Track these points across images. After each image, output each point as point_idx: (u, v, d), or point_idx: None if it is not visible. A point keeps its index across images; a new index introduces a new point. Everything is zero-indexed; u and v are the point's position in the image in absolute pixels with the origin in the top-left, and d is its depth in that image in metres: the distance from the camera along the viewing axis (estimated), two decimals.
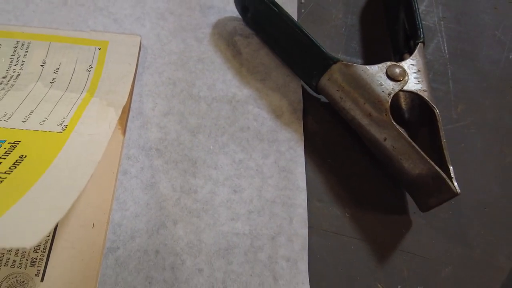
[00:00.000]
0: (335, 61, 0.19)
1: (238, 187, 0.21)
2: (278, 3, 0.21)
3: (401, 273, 0.19)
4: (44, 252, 0.19)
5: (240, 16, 0.24)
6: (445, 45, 0.24)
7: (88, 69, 0.22)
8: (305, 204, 0.20)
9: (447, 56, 0.24)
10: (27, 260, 0.18)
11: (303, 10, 0.25)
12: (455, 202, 0.21)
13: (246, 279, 0.19)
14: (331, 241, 0.20)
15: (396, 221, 0.20)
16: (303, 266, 0.19)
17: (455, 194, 0.17)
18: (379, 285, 0.19)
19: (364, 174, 0.21)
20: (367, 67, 0.19)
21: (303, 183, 0.21)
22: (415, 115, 0.21)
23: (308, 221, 0.20)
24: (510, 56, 0.24)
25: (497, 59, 0.25)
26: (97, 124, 0.19)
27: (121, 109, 0.20)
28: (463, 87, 0.24)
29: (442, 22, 0.25)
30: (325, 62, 0.20)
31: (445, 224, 0.21)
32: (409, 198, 0.21)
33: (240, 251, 0.19)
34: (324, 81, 0.20)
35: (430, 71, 0.23)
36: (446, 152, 0.18)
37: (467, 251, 0.20)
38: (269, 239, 0.20)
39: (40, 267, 0.18)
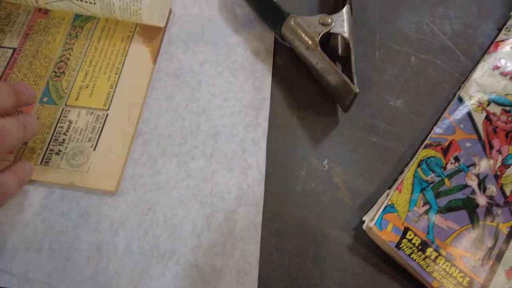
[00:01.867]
0: (288, 14, 0.30)
1: (227, 98, 0.31)
2: None
3: (328, 152, 0.29)
4: (97, 134, 0.30)
5: None
6: (377, 12, 0.34)
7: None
8: (267, 108, 0.31)
9: (378, 18, 0.34)
10: (85, 137, 0.30)
11: None
12: (370, 109, 0.30)
13: (225, 151, 0.30)
14: (282, 131, 0.30)
15: (328, 120, 0.30)
16: (263, 144, 0.29)
17: (355, 92, 0.27)
18: (312, 158, 0.29)
19: (309, 90, 0.31)
20: (307, 17, 0.30)
21: (268, 95, 0.31)
22: (346, 52, 0.30)
23: (268, 119, 0.30)
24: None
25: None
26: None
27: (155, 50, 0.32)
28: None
29: None
30: (282, 15, 0.30)
31: (360, 121, 0.30)
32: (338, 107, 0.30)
33: (224, 135, 0.30)
34: (283, 29, 0.31)
35: (364, 27, 0.33)
36: (353, 69, 0.28)
37: (374, 139, 0.29)
38: (242, 128, 0.30)
39: (94, 142, 0.29)
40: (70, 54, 0.33)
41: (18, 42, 0.33)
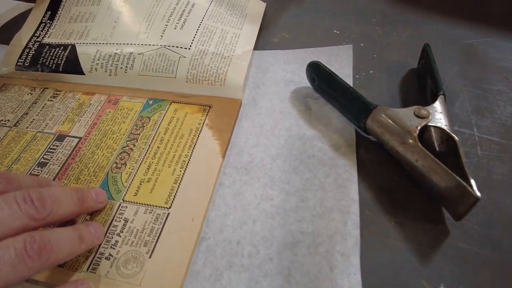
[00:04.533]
0: (375, 106, 0.27)
1: (304, 197, 0.27)
2: (338, 74, 0.31)
3: (443, 273, 0.23)
4: (155, 237, 0.25)
5: (310, 86, 0.34)
6: (468, 102, 0.31)
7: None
8: (357, 211, 0.26)
9: (470, 109, 0.30)
10: (141, 241, 0.26)
11: (357, 82, 0.34)
12: (485, 216, 0.25)
13: (307, 267, 0.24)
14: (379, 242, 0.24)
15: (434, 228, 0.24)
16: (355, 260, 0.24)
17: (476, 198, 0.22)
18: (423, 281, 0.23)
19: (404, 190, 0.26)
20: (398, 109, 0.26)
21: (356, 196, 0.26)
22: (444, 147, 0.26)
23: (360, 225, 0.25)
24: None
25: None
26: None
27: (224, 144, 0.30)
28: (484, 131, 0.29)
29: (464, 87, 0.32)
30: (368, 107, 0.28)
31: (474, 232, 0.24)
32: (445, 211, 0.25)
33: (304, 246, 0.25)
34: (369, 122, 0.28)
35: (456, 120, 0.29)
36: (466, 169, 0.23)
37: (500, 257, 0.23)
38: (327, 237, 0.25)
39: (150, 247, 0.25)
40: (133, 145, 0.31)
41: (84, 131, 0.32)
